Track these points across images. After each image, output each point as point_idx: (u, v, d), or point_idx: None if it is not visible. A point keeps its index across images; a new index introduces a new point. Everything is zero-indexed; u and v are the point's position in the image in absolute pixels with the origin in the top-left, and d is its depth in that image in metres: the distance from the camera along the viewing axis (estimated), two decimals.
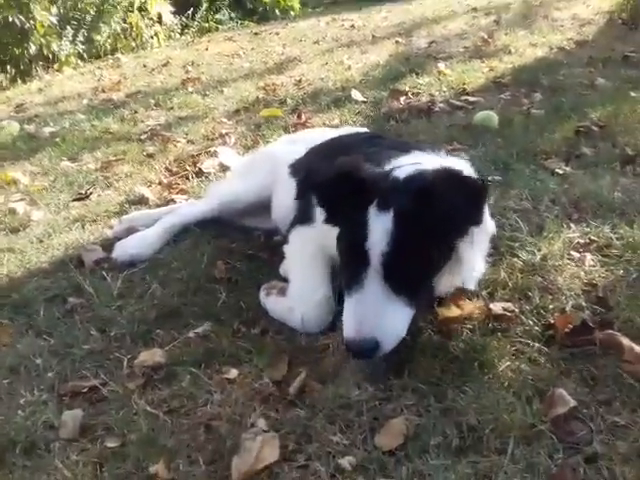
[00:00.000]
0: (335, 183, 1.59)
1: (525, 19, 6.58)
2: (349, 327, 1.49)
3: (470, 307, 1.72)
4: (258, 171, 2.57)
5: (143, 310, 2.00)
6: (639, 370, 1.44)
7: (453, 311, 1.71)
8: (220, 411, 1.52)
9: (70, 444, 1.50)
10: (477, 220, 1.54)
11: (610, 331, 1.55)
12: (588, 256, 1.97)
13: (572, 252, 2.00)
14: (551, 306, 1.73)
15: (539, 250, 2.01)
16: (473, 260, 1.74)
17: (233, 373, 1.64)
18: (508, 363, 1.52)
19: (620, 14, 5.90)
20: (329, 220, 1.67)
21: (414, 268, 1.51)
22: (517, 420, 1.33)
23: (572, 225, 2.16)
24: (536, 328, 1.64)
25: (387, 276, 1.48)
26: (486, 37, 5.65)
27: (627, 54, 4.44)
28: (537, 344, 1.58)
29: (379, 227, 1.49)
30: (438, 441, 1.33)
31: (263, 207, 2.49)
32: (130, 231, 2.54)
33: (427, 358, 1.58)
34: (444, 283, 1.69)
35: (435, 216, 1.46)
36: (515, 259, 1.98)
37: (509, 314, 1.70)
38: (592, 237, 2.06)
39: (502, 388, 1.45)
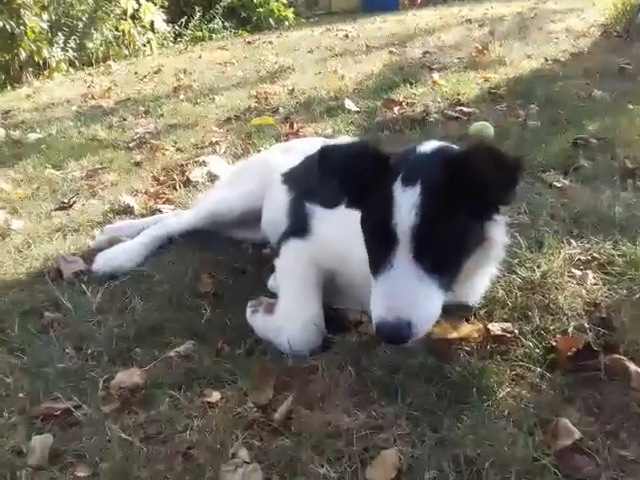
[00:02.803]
0: (357, 160, 1.51)
1: (520, 31, 6.57)
2: (379, 309, 1.37)
3: (467, 328, 1.62)
4: (249, 179, 2.48)
5: (122, 326, 1.90)
6: None
7: (449, 332, 1.61)
8: (200, 438, 1.41)
9: (38, 472, 1.39)
10: (510, 197, 1.45)
11: (616, 355, 1.47)
12: (590, 274, 1.88)
13: (573, 269, 1.92)
14: (552, 327, 1.64)
15: (538, 267, 1.92)
16: (487, 268, 1.70)
17: (215, 396, 1.54)
18: (508, 389, 1.43)
19: (614, 27, 5.88)
20: (351, 203, 1.57)
21: (445, 245, 1.40)
22: (518, 453, 1.23)
23: (572, 241, 2.08)
24: (537, 351, 1.55)
25: (417, 253, 1.38)
26: (481, 48, 5.61)
27: (623, 66, 4.40)
28: (538, 368, 1.49)
29: (406, 201, 1.39)
30: (433, 475, 1.23)
31: (252, 217, 2.39)
32: (113, 242, 2.44)
33: (422, 383, 1.48)
34: (471, 271, 1.57)
35: (467, 188, 1.36)
36: (514, 276, 1.89)
37: (508, 335, 1.61)
38: (594, 254, 1.98)
39: (502, 417, 1.35)
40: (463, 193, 1.38)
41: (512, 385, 1.45)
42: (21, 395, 1.65)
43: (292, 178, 2.23)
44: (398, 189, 1.41)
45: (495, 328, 1.62)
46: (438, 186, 1.40)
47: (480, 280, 1.72)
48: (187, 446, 1.39)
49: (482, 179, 1.36)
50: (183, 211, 2.68)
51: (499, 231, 1.60)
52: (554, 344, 1.55)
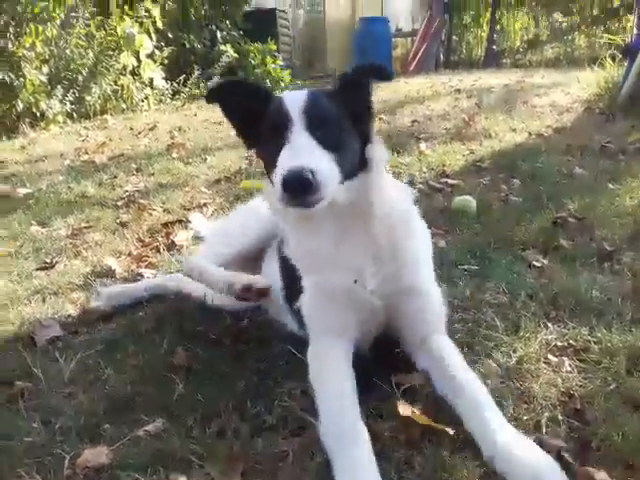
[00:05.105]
0: (247, 91, 1.77)
1: (505, 104, 6.77)
2: (284, 166, 1.49)
3: (444, 423, 1.60)
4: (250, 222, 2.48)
5: (94, 400, 1.87)
6: None
7: (422, 418, 1.59)
8: None
9: None
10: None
11: (588, 468, 1.43)
12: (566, 361, 1.88)
13: (549, 355, 1.92)
14: (525, 417, 1.63)
15: (515, 352, 1.93)
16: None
17: None
18: None
19: (597, 103, 6.08)
20: (241, 133, 1.82)
21: (331, 124, 1.61)
22: None
23: (549, 325, 2.09)
24: None
25: (309, 126, 1.57)
26: (467, 119, 5.77)
27: (604, 144, 4.53)
28: None
29: (295, 96, 1.65)
30: None
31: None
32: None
33: (391, 474, 1.45)
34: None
35: (343, 85, 1.71)
36: (490, 361, 1.89)
37: None
38: (570, 340, 1.99)
39: None
40: (343, 90, 1.71)
41: None
42: None
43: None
44: (287, 95, 1.68)
45: None
46: (320, 92, 1.72)
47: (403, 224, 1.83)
48: None
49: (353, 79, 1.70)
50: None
51: (379, 150, 1.79)
52: None
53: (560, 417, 1.62)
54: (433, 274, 1.97)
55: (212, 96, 1.78)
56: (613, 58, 6.48)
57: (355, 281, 1.76)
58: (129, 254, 3.10)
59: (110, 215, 3.83)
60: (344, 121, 1.67)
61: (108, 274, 2.84)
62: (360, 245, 1.76)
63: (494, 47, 16.08)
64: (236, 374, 1.95)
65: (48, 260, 3.08)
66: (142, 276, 2.78)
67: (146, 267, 2.90)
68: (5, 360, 2.13)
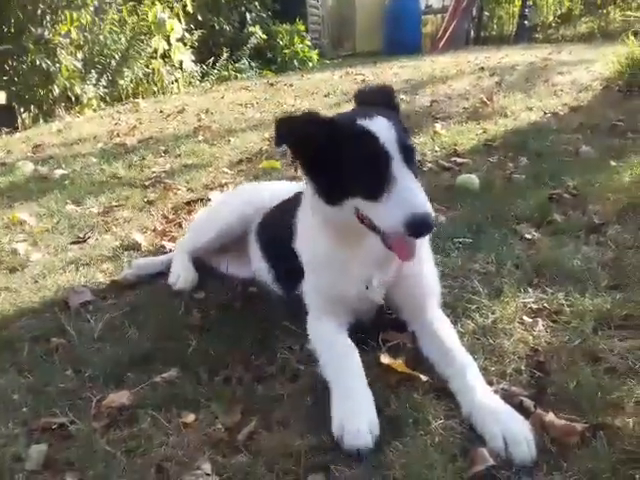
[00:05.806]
0: (308, 124, 1.80)
1: (526, 82, 6.81)
2: (405, 210, 1.58)
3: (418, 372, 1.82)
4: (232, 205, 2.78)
5: (118, 353, 2.14)
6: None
7: (401, 367, 1.82)
8: (173, 453, 1.63)
9: (33, 476, 1.62)
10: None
11: (539, 411, 1.61)
12: (539, 322, 2.07)
13: (524, 317, 2.11)
14: (493, 368, 1.83)
15: (492, 313, 2.12)
16: None
17: (190, 418, 1.76)
18: (441, 421, 1.62)
19: (617, 81, 6.08)
20: (309, 166, 1.85)
21: (414, 151, 1.75)
22: (437, 477, 1.43)
23: (530, 290, 2.28)
24: None
25: (407, 162, 1.67)
26: (485, 99, 5.85)
27: (615, 122, 4.59)
28: None
29: (380, 125, 1.69)
30: None
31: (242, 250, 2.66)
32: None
33: None
34: None
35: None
36: (468, 321, 2.09)
37: None
38: (545, 303, 2.17)
39: (433, 445, 1.55)
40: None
41: (446, 417, 1.64)
42: (24, 410, 1.89)
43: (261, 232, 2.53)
44: (366, 123, 1.71)
45: None
46: (390, 112, 1.82)
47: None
48: (160, 459, 1.61)
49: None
50: None
51: None
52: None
53: (523, 367, 1.82)
54: (431, 255, 2.12)
55: (282, 140, 1.85)
56: (635, 34, 6.42)
57: (367, 287, 1.96)
58: (154, 229, 3.38)
59: (138, 194, 4.12)
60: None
61: (134, 247, 3.12)
62: (372, 254, 1.90)
63: (526, 22, 15.83)
64: (243, 332, 2.20)
65: (81, 235, 3.38)
66: (165, 248, 3.05)
67: (169, 241, 3.17)
68: (43, 320, 2.43)
